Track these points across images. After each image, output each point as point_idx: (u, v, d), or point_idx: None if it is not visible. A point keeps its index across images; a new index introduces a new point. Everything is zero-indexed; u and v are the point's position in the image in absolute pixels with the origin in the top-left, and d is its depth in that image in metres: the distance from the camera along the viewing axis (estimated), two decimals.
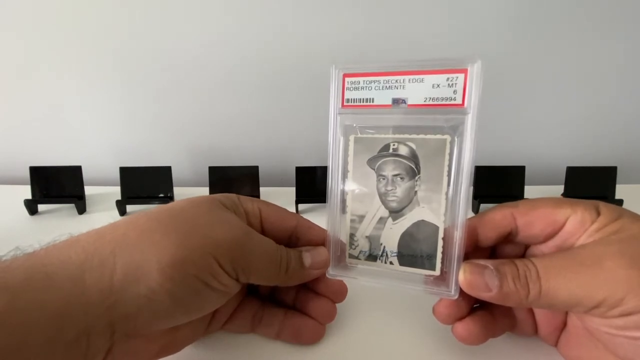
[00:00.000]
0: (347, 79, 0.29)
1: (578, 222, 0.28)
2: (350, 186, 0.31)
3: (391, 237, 0.30)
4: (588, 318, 0.27)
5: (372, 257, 0.31)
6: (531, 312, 0.32)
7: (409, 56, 0.62)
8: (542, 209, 0.29)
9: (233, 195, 0.33)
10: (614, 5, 0.60)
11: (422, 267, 0.30)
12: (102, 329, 0.24)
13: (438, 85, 0.27)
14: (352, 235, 0.31)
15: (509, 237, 0.30)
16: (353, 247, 0.31)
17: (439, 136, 0.28)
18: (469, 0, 0.60)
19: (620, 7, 0.60)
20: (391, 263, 0.31)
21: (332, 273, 0.32)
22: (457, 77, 0.27)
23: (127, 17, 0.62)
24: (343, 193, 0.31)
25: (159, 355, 0.29)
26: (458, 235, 0.28)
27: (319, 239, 0.32)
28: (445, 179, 0.28)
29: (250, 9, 0.61)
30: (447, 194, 0.29)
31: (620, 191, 0.55)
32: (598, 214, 0.28)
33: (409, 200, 0.30)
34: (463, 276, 0.28)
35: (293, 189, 0.57)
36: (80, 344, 0.23)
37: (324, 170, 0.56)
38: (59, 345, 0.23)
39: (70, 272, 0.24)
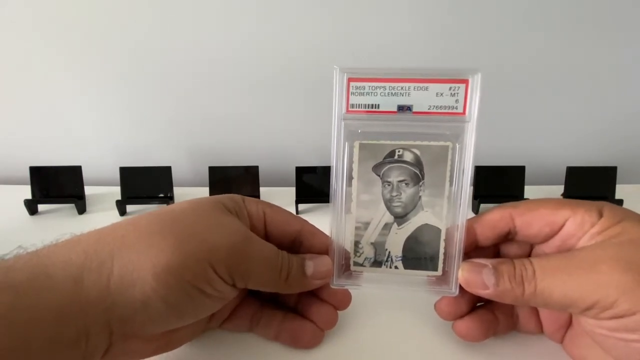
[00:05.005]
0: (352, 84, 0.28)
1: (577, 224, 0.28)
2: (355, 193, 0.31)
3: (396, 242, 0.31)
4: (583, 319, 0.28)
5: (377, 263, 0.32)
6: (535, 310, 0.33)
7: (415, 56, 0.62)
8: (540, 210, 0.30)
9: (238, 197, 0.33)
10: (616, 7, 0.59)
11: (426, 268, 0.31)
12: (101, 330, 0.24)
13: (441, 94, 0.28)
14: (357, 243, 0.31)
15: (508, 237, 0.31)
16: (358, 254, 0.32)
17: (441, 143, 0.29)
18: None
19: (622, 8, 0.60)
20: (396, 267, 0.31)
21: (337, 283, 0.32)
22: (459, 87, 0.28)
23: (127, 18, 0.61)
24: (348, 200, 0.31)
25: (157, 353, 0.29)
26: (458, 236, 0.30)
27: (323, 246, 0.32)
28: (448, 183, 0.30)
29: (251, 8, 0.60)
30: (448, 197, 0.30)
31: (620, 191, 0.55)
32: (600, 216, 0.28)
33: (414, 205, 0.31)
34: (461, 274, 0.29)
35: (293, 189, 0.57)
36: (79, 344, 0.24)
37: (324, 170, 0.57)
38: (59, 345, 0.23)
39: (71, 273, 0.24)
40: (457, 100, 0.28)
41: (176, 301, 0.26)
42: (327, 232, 0.32)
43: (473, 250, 0.32)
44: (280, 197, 0.55)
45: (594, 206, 0.29)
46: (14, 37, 0.62)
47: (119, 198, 0.57)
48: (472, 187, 0.56)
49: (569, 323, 0.31)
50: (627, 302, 0.24)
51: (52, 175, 0.58)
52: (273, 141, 0.69)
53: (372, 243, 0.31)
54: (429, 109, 0.28)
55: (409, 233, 0.31)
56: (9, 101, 0.67)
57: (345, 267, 0.32)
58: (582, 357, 0.30)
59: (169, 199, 0.58)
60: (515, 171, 0.56)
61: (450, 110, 0.28)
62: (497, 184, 0.56)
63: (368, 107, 0.29)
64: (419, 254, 0.31)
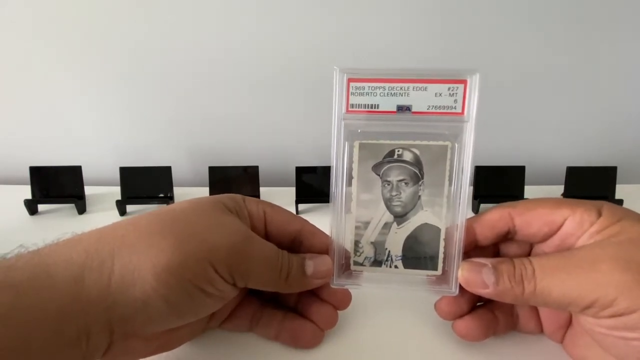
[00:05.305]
0: (352, 84, 0.29)
1: (576, 223, 0.28)
2: (355, 193, 0.31)
3: (396, 242, 0.31)
4: (582, 318, 0.28)
5: (377, 263, 0.32)
6: (535, 310, 0.33)
7: (414, 56, 0.62)
8: (539, 210, 0.30)
9: (238, 197, 0.33)
10: (615, 6, 0.60)
11: (425, 267, 0.31)
12: (101, 329, 0.24)
13: (440, 94, 0.28)
14: (357, 242, 0.31)
15: (508, 236, 0.31)
16: (358, 254, 0.32)
17: (440, 142, 0.30)
18: None
19: (622, 8, 0.60)
20: (396, 267, 0.32)
21: (337, 282, 0.32)
22: (458, 87, 0.28)
23: (127, 18, 0.61)
24: (348, 199, 0.31)
25: (157, 352, 0.30)
26: (457, 236, 0.30)
27: (323, 246, 0.32)
28: (447, 183, 0.30)
29: (251, 8, 0.60)
30: (448, 197, 0.30)
31: (620, 191, 0.55)
32: (599, 215, 0.28)
33: (413, 204, 0.31)
34: (461, 274, 0.29)
35: (293, 189, 0.57)
36: (80, 343, 0.24)
37: (324, 170, 0.57)
38: (60, 343, 0.23)
39: (72, 272, 0.24)
40: (455, 101, 0.28)
41: (177, 300, 0.26)
42: (327, 231, 0.32)
43: (473, 249, 0.32)
44: (280, 197, 0.55)
45: (593, 205, 0.29)
46: (14, 37, 0.62)
47: (119, 198, 0.57)
48: (472, 187, 0.56)
49: (569, 323, 0.32)
50: (626, 301, 0.24)
51: (52, 175, 0.58)
52: (273, 141, 0.69)
53: (372, 242, 0.31)
54: (428, 109, 0.29)
55: (408, 232, 0.31)
56: (9, 101, 0.67)
57: (345, 266, 0.32)
58: (582, 357, 0.30)
59: (169, 199, 0.58)
60: (515, 171, 0.56)
61: (449, 110, 0.29)
62: (497, 184, 0.56)
63: (368, 107, 0.29)
64: (418, 254, 0.31)
